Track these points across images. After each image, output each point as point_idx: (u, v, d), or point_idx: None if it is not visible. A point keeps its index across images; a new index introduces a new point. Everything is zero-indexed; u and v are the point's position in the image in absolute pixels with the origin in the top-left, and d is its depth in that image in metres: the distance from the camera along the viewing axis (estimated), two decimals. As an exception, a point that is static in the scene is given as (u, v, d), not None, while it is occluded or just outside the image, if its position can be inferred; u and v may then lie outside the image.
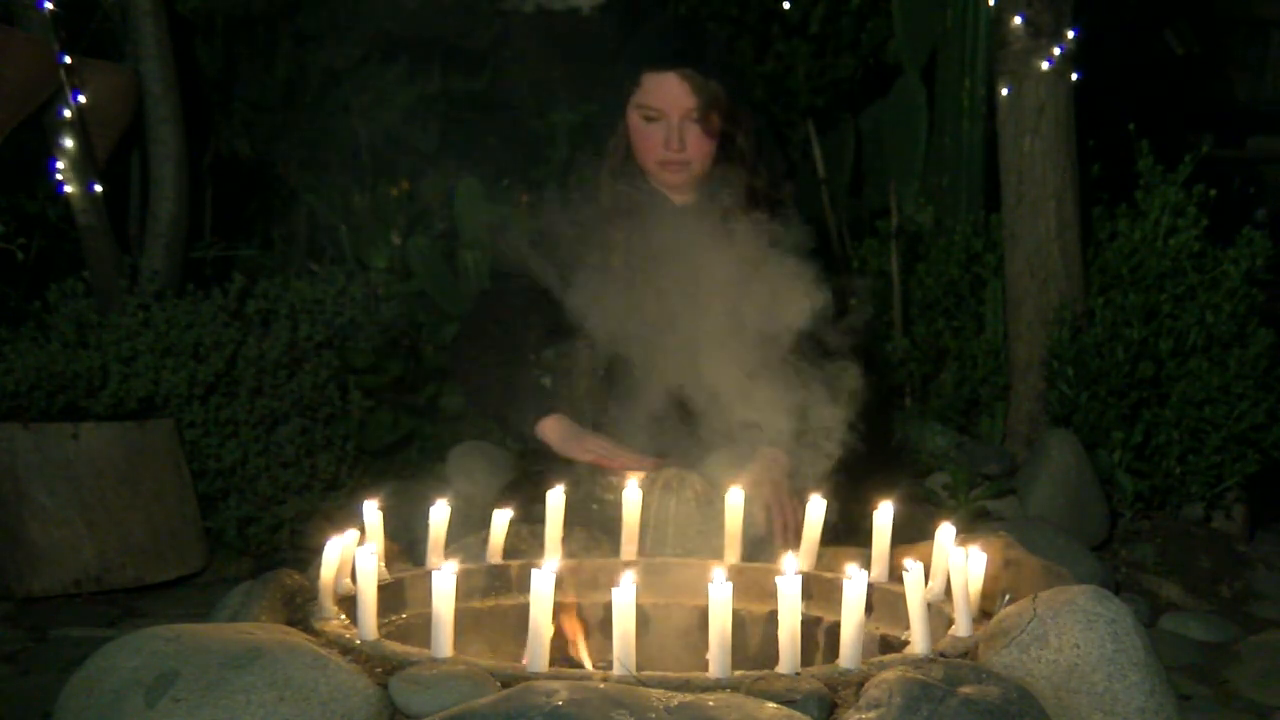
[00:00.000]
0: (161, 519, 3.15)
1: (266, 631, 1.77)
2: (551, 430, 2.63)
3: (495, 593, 2.23)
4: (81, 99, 3.45)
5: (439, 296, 4.08)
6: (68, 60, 3.43)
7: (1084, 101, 3.48)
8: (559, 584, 1.77)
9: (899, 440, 3.62)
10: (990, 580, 2.02)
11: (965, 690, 1.63)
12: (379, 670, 1.72)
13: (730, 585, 1.67)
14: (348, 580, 1.98)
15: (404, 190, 4.49)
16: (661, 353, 2.65)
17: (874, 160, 4.35)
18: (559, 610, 2.04)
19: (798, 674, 1.66)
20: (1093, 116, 3.55)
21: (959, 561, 1.90)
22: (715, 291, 2.66)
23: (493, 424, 3.58)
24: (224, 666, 1.65)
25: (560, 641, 2.12)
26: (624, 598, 1.66)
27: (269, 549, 3.35)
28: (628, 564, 2.26)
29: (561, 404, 2.67)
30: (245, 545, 3.34)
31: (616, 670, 1.65)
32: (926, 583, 1.89)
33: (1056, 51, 3.38)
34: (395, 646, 1.80)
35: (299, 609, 1.96)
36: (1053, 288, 3.45)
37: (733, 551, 2.30)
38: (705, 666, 1.67)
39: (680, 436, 2.58)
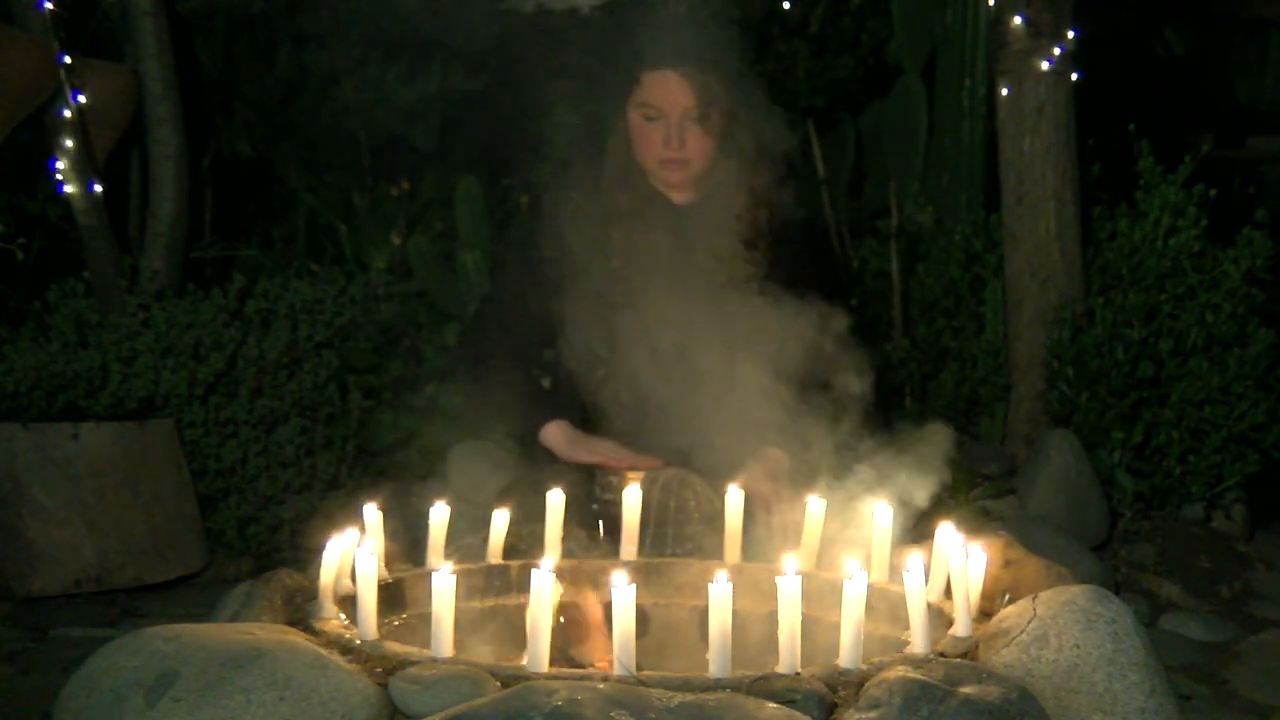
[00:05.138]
0: (161, 519, 3.15)
1: (266, 631, 1.77)
2: (555, 436, 2.63)
3: (495, 593, 2.23)
4: (81, 99, 3.45)
5: (439, 296, 4.08)
6: (68, 60, 3.42)
7: (1084, 101, 3.48)
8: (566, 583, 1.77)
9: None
10: (990, 580, 2.02)
11: (965, 690, 1.63)
12: (379, 670, 1.72)
13: (730, 585, 1.67)
14: (348, 580, 1.98)
15: (404, 190, 4.49)
16: (661, 353, 2.65)
17: (874, 160, 4.35)
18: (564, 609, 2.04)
19: (798, 674, 1.66)
20: (1093, 116, 3.54)
21: (959, 561, 1.90)
22: (714, 291, 2.66)
23: (493, 424, 3.58)
24: (224, 666, 1.65)
25: (561, 641, 2.12)
26: (624, 598, 1.66)
27: (269, 549, 3.35)
28: (628, 564, 2.27)
29: (564, 410, 2.66)
30: (245, 545, 3.34)
31: (616, 670, 1.65)
32: (926, 583, 1.89)
33: (1056, 51, 3.38)
34: (395, 646, 1.80)
35: (299, 609, 1.96)
36: (1053, 288, 3.45)
37: (733, 551, 2.30)
38: (705, 666, 1.67)
39: (679, 437, 2.58)
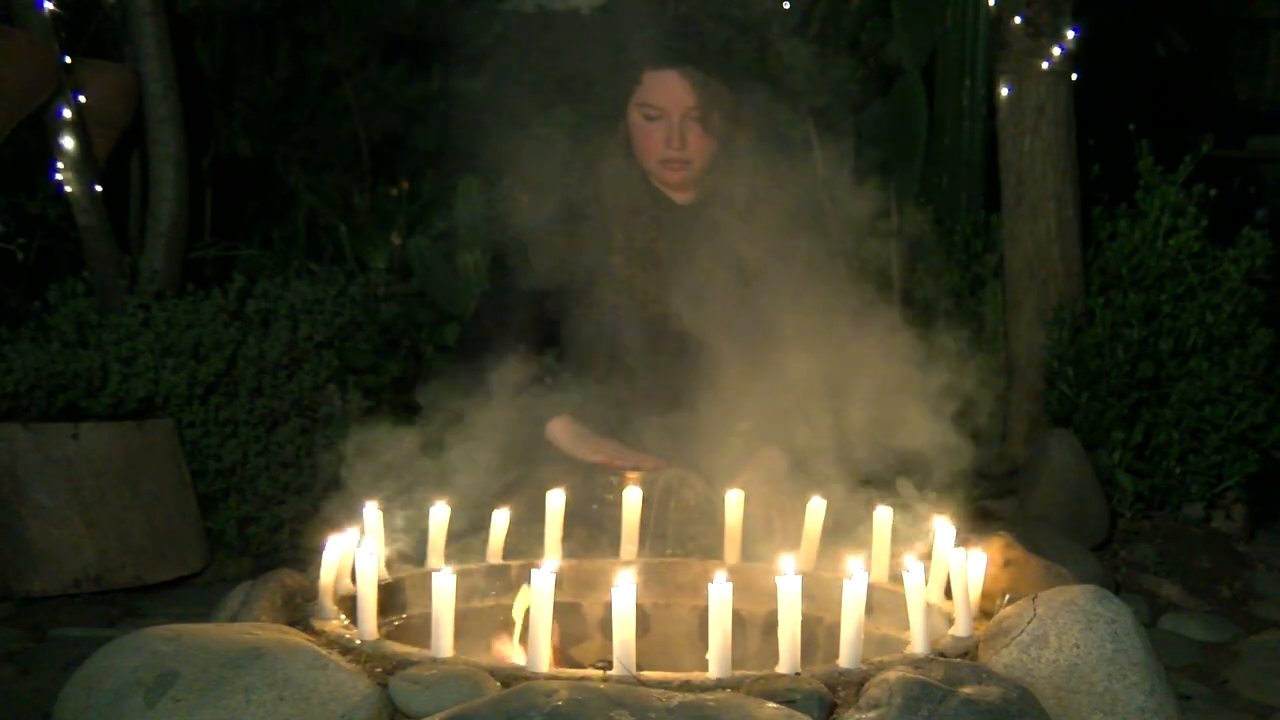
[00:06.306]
0: (161, 519, 3.15)
1: (266, 631, 1.77)
2: (560, 432, 2.63)
3: (495, 593, 2.23)
4: (81, 99, 3.45)
5: (439, 296, 4.08)
6: (68, 60, 3.42)
7: (1084, 101, 3.48)
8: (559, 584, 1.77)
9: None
10: (990, 580, 2.02)
11: (965, 690, 1.63)
12: (379, 670, 1.72)
13: (730, 585, 1.67)
14: (348, 580, 1.98)
15: (404, 190, 4.49)
16: (662, 352, 2.65)
17: (874, 160, 4.34)
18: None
19: (798, 674, 1.66)
20: (1093, 116, 3.54)
21: (959, 561, 1.90)
22: (716, 290, 2.66)
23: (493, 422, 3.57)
24: (224, 666, 1.65)
25: (560, 641, 2.12)
26: (624, 598, 1.66)
27: (269, 549, 3.35)
28: (628, 564, 2.27)
29: (567, 406, 2.66)
30: (245, 545, 3.34)
31: (616, 670, 1.65)
32: (926, 583, 1.89)
33: (1056, 51, 3.38)
34: (395, 646, 1.80)
35: (299, 609, 1.96)
36: (1053, 288, 3.45)
37: (733, 551, 2.30)
38: (705, 666, 1.67)
39: (681, 435, 2.58)
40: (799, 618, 1.69)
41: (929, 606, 1.85)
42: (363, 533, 2.07)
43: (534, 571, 1.71)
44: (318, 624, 1.87)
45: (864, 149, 4.35)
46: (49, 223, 3.61)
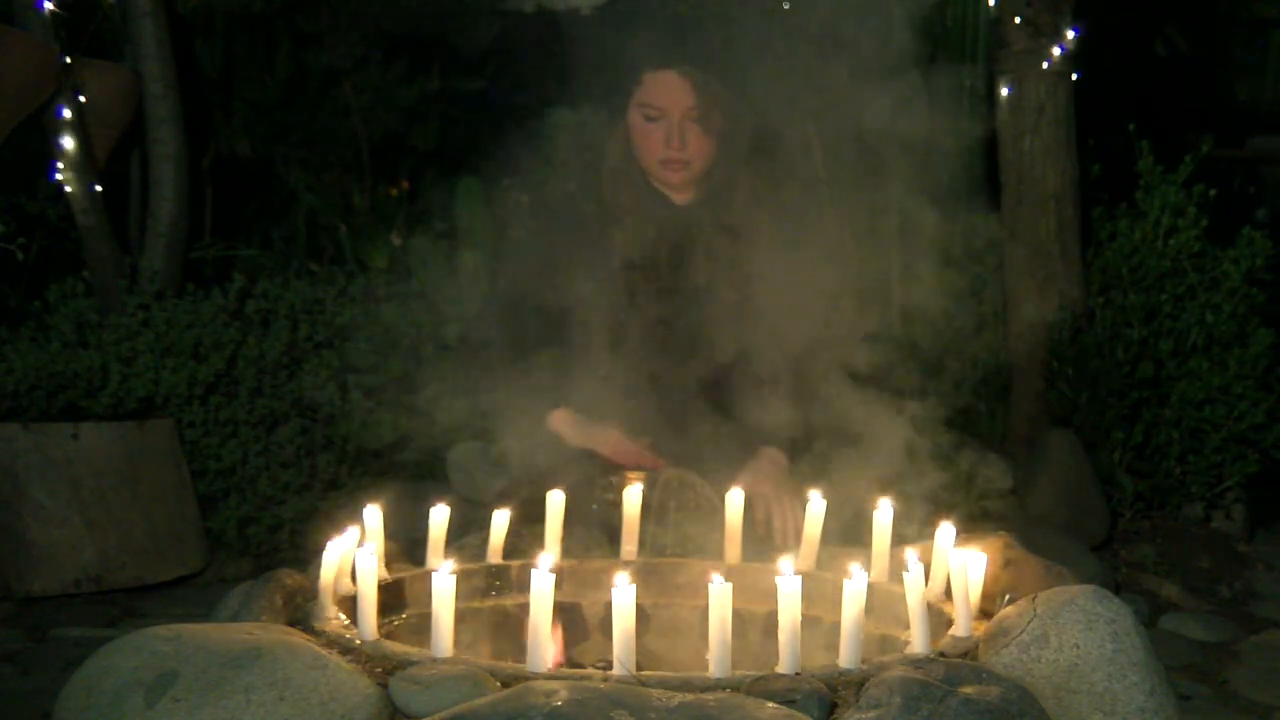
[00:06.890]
0: (161, 519, 3.15)
1: (266, 631, 1.77)
2: (561, 422, 2.62)
3: (495, 593, 2.23)
4: (81, 99, 3.45)
5: (439, 296, 4.08)
6: (68, 60, 3.43)
7: (1084, 101, 3.48)
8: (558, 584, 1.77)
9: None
10: (990, 580, 2.02)
11: (965, 690, 1.63)
12: (379, 670, 1.72)
13: (730, 585, 1.67)
14: (348, 580, 1.98)
15: (404, 190, 4.49)
16: (662, 352, 2.65)
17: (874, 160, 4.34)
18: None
19: (798, 674, 1.66)
20: (1093, 116, 3.54)
21: (959, 561, 1.90)
22: (715, 290, 2.66)
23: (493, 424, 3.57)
24: (224, 666, 1.65)
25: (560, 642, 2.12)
26: (624, 598, 1.66)
27: (269, 549, 3.35)
28: (628, 564, 2.27)
29: (567, 397, 2.65)
30: (245, 545, 3.34)
31: (616, 670, 1.65)
32: (926, 583, 1.89)
33: (1056, 51, 3.38)
34: (395, 646, 1.80)
35: (299, 609, 1.96)
36: (1053, 288, 3.45)
37: (733, 551, 2.30)
38: (705, 666, 1.67)
39: (681, 434, 2.58)
40: (799, 618, 1.70)
41: (929, 606, 1.85)
42: (363, 533, 2.07)
43: (534, 571, 1.71)
44: (318, 624, 1.87)
45: (864, 149, 4.34)
46: (49, 223, 3.61)
